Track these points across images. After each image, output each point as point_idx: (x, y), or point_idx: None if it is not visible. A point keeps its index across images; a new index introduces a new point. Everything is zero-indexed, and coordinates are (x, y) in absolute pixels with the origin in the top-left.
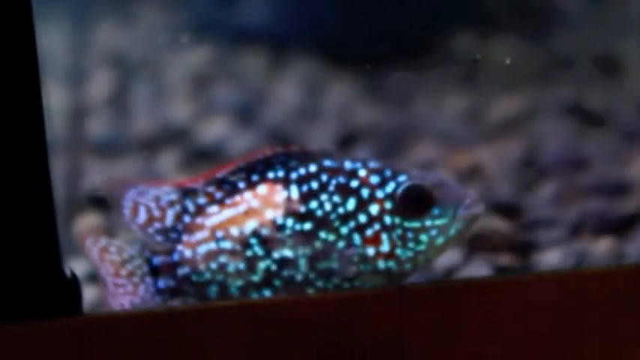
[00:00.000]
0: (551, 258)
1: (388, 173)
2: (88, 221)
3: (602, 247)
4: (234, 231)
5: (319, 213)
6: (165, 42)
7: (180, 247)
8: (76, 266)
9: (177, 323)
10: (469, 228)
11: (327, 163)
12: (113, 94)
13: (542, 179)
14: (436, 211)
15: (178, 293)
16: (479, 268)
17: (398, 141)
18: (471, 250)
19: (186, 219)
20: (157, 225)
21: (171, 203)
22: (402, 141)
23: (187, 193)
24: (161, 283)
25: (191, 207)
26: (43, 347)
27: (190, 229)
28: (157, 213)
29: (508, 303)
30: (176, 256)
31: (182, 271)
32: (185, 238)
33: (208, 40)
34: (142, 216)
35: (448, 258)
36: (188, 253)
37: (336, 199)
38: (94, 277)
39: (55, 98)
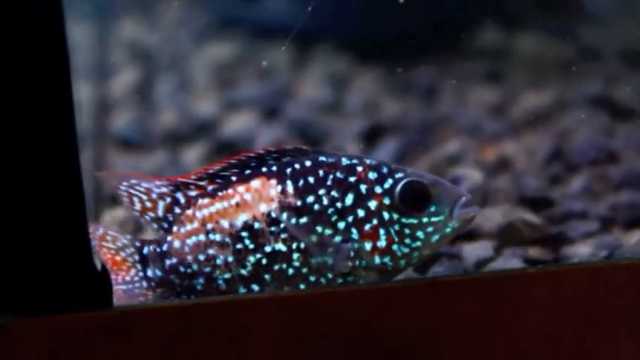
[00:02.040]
0: (582, 251)
1: (385, 170)
2: (114, 215)
3: (633, 240)
4: (225, 223)
5: (316, 207)
6: (191, 37)
7: (169, 238)
8: None
9: (206, 316)
10: (464, 228)
11: (323, 158)
12: (138, 88)
13: (572, 172)
14: (433, 208)
15: (166, 283)
16: (509, 261)
17: (425, 135)
18: (502, 243)
19: (177, 210)
20: (151, 214)
21: (162, 195)
22: (429, 135)
23: (178, 186)
24: (149, 272)
25: (182, 199)
26: (74, 340)
27: (181, 220)
28: (148, 204)
29: (540, 295)
30: (165, 247)
31: (170, 261)
32: (175, 228)
33: (234, 35)
34: (137, 206)
35: (479, 250)
36: (177, 244)
37: (334, 193)
38: None
39: (80, 93)
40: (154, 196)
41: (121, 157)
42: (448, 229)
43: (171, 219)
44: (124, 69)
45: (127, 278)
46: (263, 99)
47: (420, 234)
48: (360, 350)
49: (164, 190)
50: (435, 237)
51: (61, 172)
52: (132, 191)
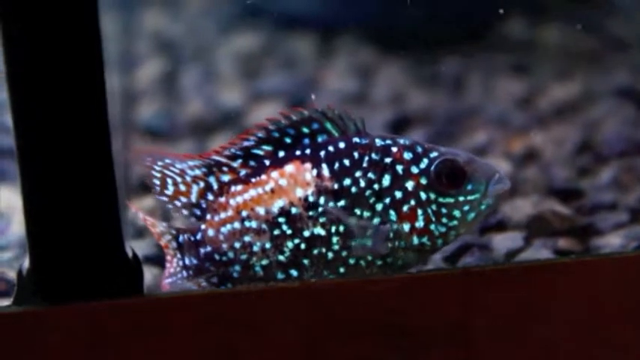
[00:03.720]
0: (612, 242)
1: (420, 149)
2: (142, 204)
3: None
4: (261, 210)
5: (354, 190)
6: (216, 26)
7: (203, 227)
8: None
9: (238, 304)
10: (498, 203)
11: (357, 140)
12: (164, 78)
13: (601, 164)
14: (469, 186)
15: (202, 271)
16: (539, 252)
17: (452, 126)
18: (532, 234)
19: (210, 197)
20: (183, 199)
21: (195, 179)
22: (456, 126)
23: (211, 168)
24: (187, 260)
25: (215, 185)
26: (106, 327)
27: (214, 208)
28: (182, 187)
29: (572, 285)
30: (199, 235)
31: (204, 250)
32: (208, 217)
33: (259, 25)
34: (170, 188)
35: (509, 241)
36: (211, 232)
37: (371, 175)
38: (150, 259)
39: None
40: (188, 178)
41: (149, 147)
42: (483, 207)
43: (204, 206)
44: (150, 59)
45: (171, 270)
46: (289, 89)
47: (456, 213)
48: (390, 339)
49: (197, 172)
50: (471, 215)
51: (94, 160)
52: (166, 172)
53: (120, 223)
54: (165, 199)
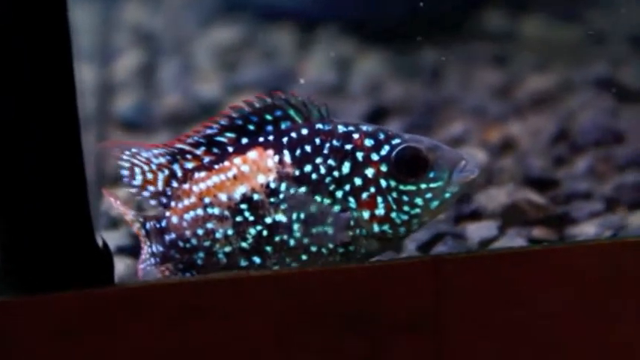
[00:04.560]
0: (586, 230)
1: (382, 136)
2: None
3: (638, 221)
4: (223, 196)
5: (314, 177)
6: (195, 19)
7: (167, 214)
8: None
9: (210, 293)
10: (464, 191)
11: (320, 126)
12: (141, 70)
13: (577, 153)
14: (431, 174)
15: (167, 258)
16: (514, 241)
17: (429, 117)
18: (506, 223)
19: (174, 184)
20: (151, 188)
21: (161, 167)
22: (433, 117)
23: (175, 155)
24: (154, 248)
25: (179, 172)
26: (77, 317)
27: (178, 195)
28: (149, 176)
29: (544, 272)
30: (164, 222)
31: (169, 237)
32: (172, 204)
33: (238, 18)
34: (138, 178)
35: (483, 230)
36: (175, 219)
37: (331, 162)
38: (123, 250)
39: (83, 75)
40: (154, 167)
41: (124, 139)
42: (447, 195)
43: (169, 193)
44: (128, 51)
45: (144, 257)
46: (267, 81)
47: (418, 201)
48: (362, 327)
49: (162, 160)
50: (435, 203)
51: (63, 151)
52: (133, 161)
53: (89, 213)
54: (134, 190)
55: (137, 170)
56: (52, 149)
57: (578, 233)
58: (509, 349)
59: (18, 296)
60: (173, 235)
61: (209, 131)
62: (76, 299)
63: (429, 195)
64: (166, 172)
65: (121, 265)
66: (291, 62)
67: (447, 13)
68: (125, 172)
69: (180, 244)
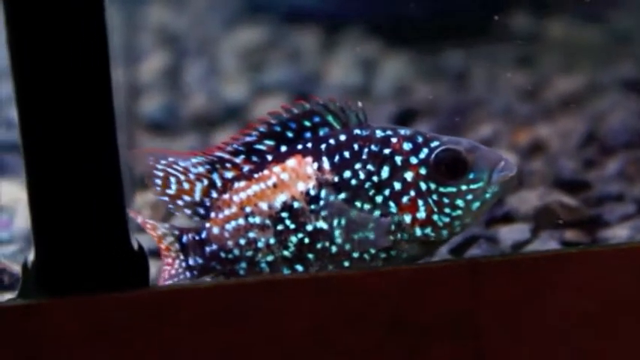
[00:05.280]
0: (619, 233)
1: (420, 139)
2: (145, 199)
3: None
4: (264, 205)
5: (353, 182)
6: (220, 21)
7: (207, 225)
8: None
9: (246, 296)
10: (505, 191)
11: (357, 131)
12: (169, 72)
13: (607, 155)
14: (471, 175)
15: (208, 270)
16: (546, 244)
17: (457, 119)
18: (539, 226)
19: (214, 194)
20: (187, 198)
21: (199, 177)
22: (461, 119)
23: (214, 164)
24: (191, 261)
25: (218, 182)
26: (111, 320)
27: (218, 205)
28: (186, 185)
29: (580, 276)
30: (204, 234)
31: (210, 248)
32: (213, 214)
33: (263, 19)
34: (173, 187)
35: (516, 233)
36: (216, 230)
37: (370, 167)
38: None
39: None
40: (192, 176)
41: (151, 141)
42: (488, 195)
43: (208, 204)
44: (154, 53)
45: (172, 272)
46: (292, 83)
47: (459, 202)
48: (397, 331)
49: (201, 170)
50: (476, 204)
51: (100, 153)
52: (169, 170)
53: (125, 215)
54: (166, 198)
55: (172, 180)
56: (89, 151)
57: (611, 236)
58: (545, 352)
59: (53, 298)
60: (214, 247)
61: (248, 139)
62: (111, 302)
63: (469, 196)
64: (205, 182)
65: (153, 268)
66: (316, 64)
67: (473, 14)
68: (158, 182)
69: (222, 255)
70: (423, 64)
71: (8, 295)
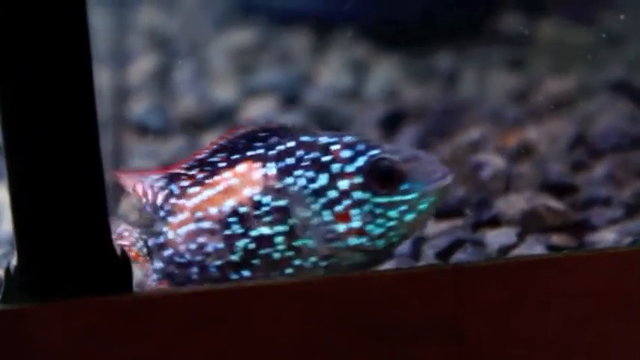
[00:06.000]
0: (606, 237)
1: (361, 147)
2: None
3: None
4: (213, 210)
5: (295, 189)
6: (210, 22)
7: (165, 229)
8: None
9: (230, 300)
10: (441, 200)
11: (304, 138)
12: (157, 74)
13: (595, 158)
14: (406, 186)
15: (167, 275)
16: (533, 248)
17: (446, 122)
18: (525, 230)
19: (172, 200)
20: (152, 207)
21: (162, 188)
22: (450, 122)
23: (172, 177)
24: (156, 264)
25: (176, 190)
26: (94, 324)
27: (173, 210)
28: (151, 198)
29: (566, 280)
30: (162, 238)
31: (167, 252)
32: (170, 219)
33: (253, 21)
34: (147, 199)
35: (503, 237)
36: (171, 234)
37: (310, 174)
38: None
39: (98, 79)
40: (156, 189)
41: (139, 143)
42: (422, 206)
43: (168, 209)
44: (143, 55)
45: (147, 274)
46: (282, 85)
47: (392, 213)
48: (383, 334)
49: (161, 183)
50: (410, 215)
51: (82, 157)
52: (138, 187)
53: (108, 220)
54: (140, 206)
55: (146, 192)
56: (72, 155)
57: (598, 240)
58: (530, 356)
59: (36, 303)
60: (170, 251)
61: (199, 157)
62: (95, 306)
63: (403, 207)
64: (166, 191)
65: (139, 273)
66: (306, 66)
67: (463, 16)
68: (135, 196)
69: (177, 259)
70: (413, 67)
71: None
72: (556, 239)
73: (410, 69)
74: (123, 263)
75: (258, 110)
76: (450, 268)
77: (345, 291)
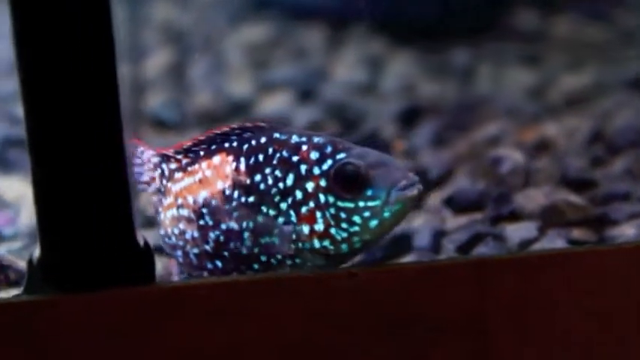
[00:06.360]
0: (626, 232)
1: (329, 149)
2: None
3: None
4: (190, 199)
5: (262, 187)
6: (225, 17)
7: (160, 209)
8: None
9: (251, 292)
10: (406, 210)
11: (277, 135)
12: (173, 69)
13: (613, 154)
14: (369, 192)
15: (164, 253)
16: (553, 242)
17: (463, 117)
18: (545, 224)
19: (164, 182)
20: (154, 185)
21: (156, 165)
22: (467, 117)
23: (163, 157)
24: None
25: (166, 171)
26: (118, 315)
27: (165, 192)
28: (150, 173)
29: (588, 274)
30: (158, 218)
31: (160, 232)
32: (163, 200)
33: (269, 16)
34: (145, 175)
35: (523, 231)
36: (162, 216)
37: (278, 173)
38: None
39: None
40: (152, 165)
41: (156, 137)
42: (386, 214)
43: (163, 190)
44: (159, 50)
45: None
46: (298, 80)
47: (356, 219)
48: (404, 328)
49: (156, 160)
50: (374, 222)
51: (106, 149)
52: (139, 160)
53: (131, 211)
54: (142, 186)
55: (143, 168)
56: (96, 147)
57: (618, 234)
58: (552, 350)
59: (59, 294)
60: (162, 231)
61: (186, 145)
62: (118, 298)
63: (366, 213)
64: (159, 170)
65: (158, 264)
66: (321, 61)
67: (479, 12)
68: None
69: (166, 240)
70: (430, 62)
71: (14, 292)
72: (576, 234)
73: (426, 64)
74: (146, 254)
75: (274, 105)
76: (472, 262)
77: (366, 285)
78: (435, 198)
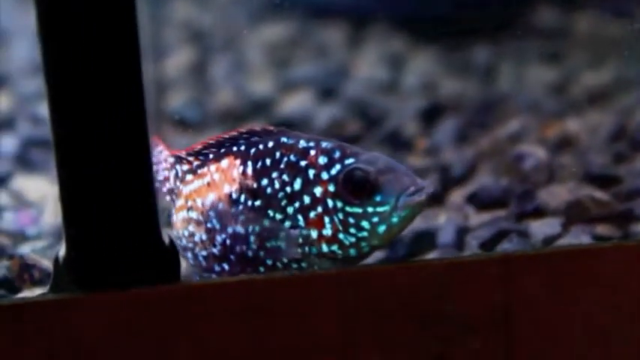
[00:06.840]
0: None
1: (337, 155)
2: None
3: None
4: (199, 202)
5: (269, 191)
6: (246, 16)
7: (173, 211)
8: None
9: (277, 290)
10: (414, 216)
11: (284, 139)
12: (195, 68)
13: (636, 150)
14: (378, 198)
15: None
16: (578, 238)
17: (485, 114)
18: (570, 220)
19: (177, 183)
20: (167, 185)
21: (172, 165)
22: (489, 114)
23: (176, 158)
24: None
25: (180, 173)
26: (143, 314)
27: (177, 194)
28: (165, 172)
29: (614, 270)
30: (172, 219)
31: (173, 233)
32: (175, 201)
33: (289, 14)
34: (161, 174)
35: (547, 227)
36: (174, 217)
37: (285, 177)
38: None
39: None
40: (167, 164)
41: (177, 136)
42: (395, 219)
43: (175, 191)
44: (181, 49)
45: None
46: (319, 78)
47: (364, 224)
48: (429, 324)
49: (172, 160)
50: (382, 227)
51: (131, 148)
52: (156, 158)
53: (156, 210)
54: (158, 184)
55: (159, 167)
56: (120, 146)
57: None
58: (577, 346)
59: (85, 293)
60: (175, 232)
61: (197, 147)
62: (143, 297)
63: (375, 219)
64: (174, 171)
65: (185, 263)
66: (342, 59)
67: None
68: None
69: (178, 241)
70: (451, 59)
71: (39, 290)
72: (601, 229)
73: (447, 62)
74: (171, 252)
75: (295, 103)
76: (498, 258)
77: (391, 281)
78: (458, 195)
